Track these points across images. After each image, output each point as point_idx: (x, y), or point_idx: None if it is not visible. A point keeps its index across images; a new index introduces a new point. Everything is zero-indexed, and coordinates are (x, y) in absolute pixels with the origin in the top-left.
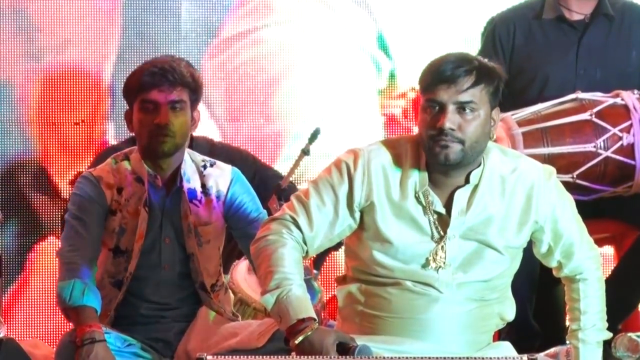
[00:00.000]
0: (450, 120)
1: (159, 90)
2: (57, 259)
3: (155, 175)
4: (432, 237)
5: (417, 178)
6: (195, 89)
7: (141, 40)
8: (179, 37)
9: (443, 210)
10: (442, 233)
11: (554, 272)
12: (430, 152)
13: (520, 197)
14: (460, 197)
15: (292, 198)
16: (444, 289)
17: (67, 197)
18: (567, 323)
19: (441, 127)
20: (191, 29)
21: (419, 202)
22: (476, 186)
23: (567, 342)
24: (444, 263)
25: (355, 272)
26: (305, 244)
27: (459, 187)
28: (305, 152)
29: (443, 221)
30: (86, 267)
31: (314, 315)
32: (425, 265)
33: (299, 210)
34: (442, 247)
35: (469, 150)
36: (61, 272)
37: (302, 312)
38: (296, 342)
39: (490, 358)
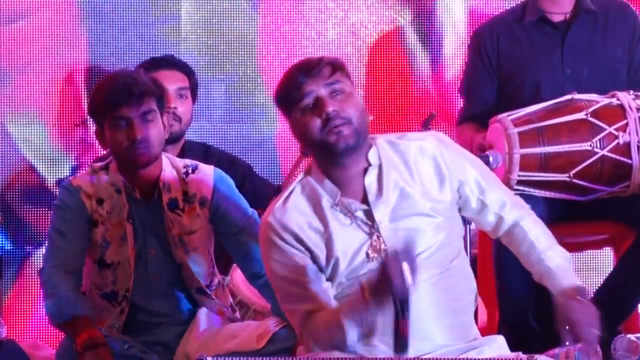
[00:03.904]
0: (331, 104)
1: (127, 105)
2: (38, 278)
3: (133, 187)
4: (367, 232)
5: (326, 197)
6: (161, 95)
7: (141, 42)
8: (178, 39)
9: (364, 207)
10: (370, 223)
11: (493, 233)
12: (327, 145)
13: (425, 162)
14: (370, 184)
15: (286, 310)
16: None
17: None
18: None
19: (327, 113)
20: (191, 30)
21: (342, 214)
22: (380, 168)
23: (550, 292)
24: (384, 247)
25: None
26: (329, 304)
27: (365, 174)
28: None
29: (370, 214)
30: (68, 280)
31: None
32: (371, 259)
33: (299, 305)
34: (377, 235)
35: (359, 127)
36: (44, 291)
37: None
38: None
39: (490, 358)
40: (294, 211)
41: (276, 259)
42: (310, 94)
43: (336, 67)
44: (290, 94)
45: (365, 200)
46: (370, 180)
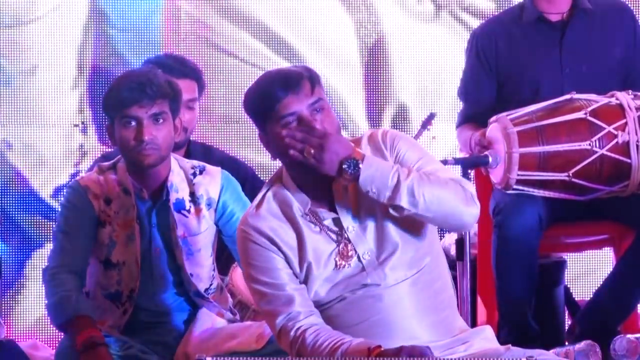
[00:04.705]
0: (319, 120)
1: (139, 105)
2: (42, 277)
3: (141, 187)
4: (335, 240)
5: (297, 205)
6: (175, 98)
7: (141, 42)
8: (179, 39)
9: (332, 215)
10: (338, 231)
11: None
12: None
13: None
14: (337, 190)
15: (264, 312)
16: (377, 280)
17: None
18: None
19: (312, 125)
20: (191, 30)
21: (312, 223)
22: None
23: None
24: (352, 253)
25: None
26: (312, 312)
27: (333, 182)
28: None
29: (338, 222)
30: (71, 280)
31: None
32: (340, 267)
33: (277, 307)
34: (344, 242)
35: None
36: (47, 291)
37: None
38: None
39: (492, 358)
40: (267, 216)
41: (254, 264)
42: (293, 114)
43: (314, 81)
44: (271, 108)
45: (333, 208)
46: (337, 187)
